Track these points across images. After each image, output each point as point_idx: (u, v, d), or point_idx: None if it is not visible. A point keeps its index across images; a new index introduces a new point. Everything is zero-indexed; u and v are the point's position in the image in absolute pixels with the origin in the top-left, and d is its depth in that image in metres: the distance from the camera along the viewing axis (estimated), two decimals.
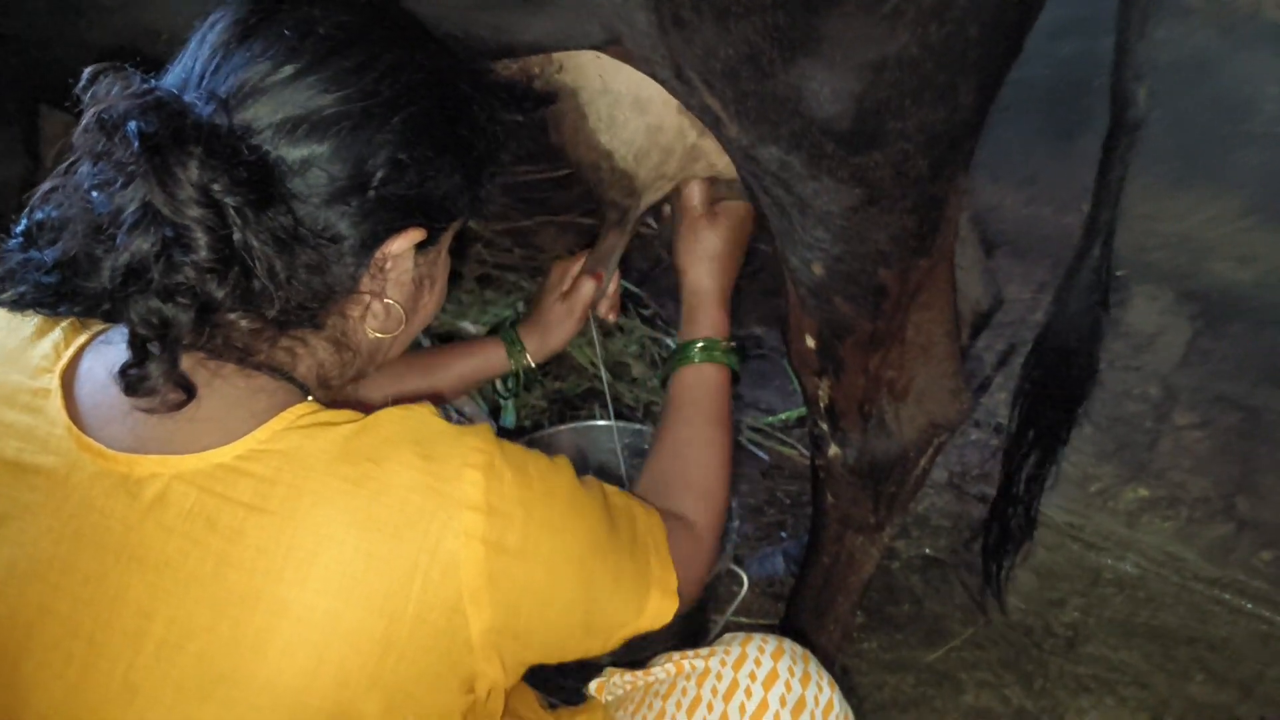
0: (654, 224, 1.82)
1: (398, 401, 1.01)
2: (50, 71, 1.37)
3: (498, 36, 1.19)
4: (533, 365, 1.67)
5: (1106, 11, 1.35)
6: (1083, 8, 3.52)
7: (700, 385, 1.43)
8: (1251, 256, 3.03)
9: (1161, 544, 2.24)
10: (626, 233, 1.63)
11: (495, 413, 2.50)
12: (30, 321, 1.03)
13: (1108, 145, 1.40)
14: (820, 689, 1.23)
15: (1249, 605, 2.11)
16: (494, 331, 2.65)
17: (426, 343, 2.53)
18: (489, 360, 1.67)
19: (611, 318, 1.71)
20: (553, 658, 1.07)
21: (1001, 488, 1.76)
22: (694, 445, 1.37)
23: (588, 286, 1.62)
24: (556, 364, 2.66)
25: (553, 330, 1.65)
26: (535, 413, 2.56)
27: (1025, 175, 3.31)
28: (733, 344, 1.48)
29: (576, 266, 1.65)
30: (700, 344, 1.45)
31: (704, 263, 1.49)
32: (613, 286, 1.68)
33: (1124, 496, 2.36)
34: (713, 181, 1.50)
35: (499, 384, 2.27)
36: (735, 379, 1.47)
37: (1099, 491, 2.37)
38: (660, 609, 1.12)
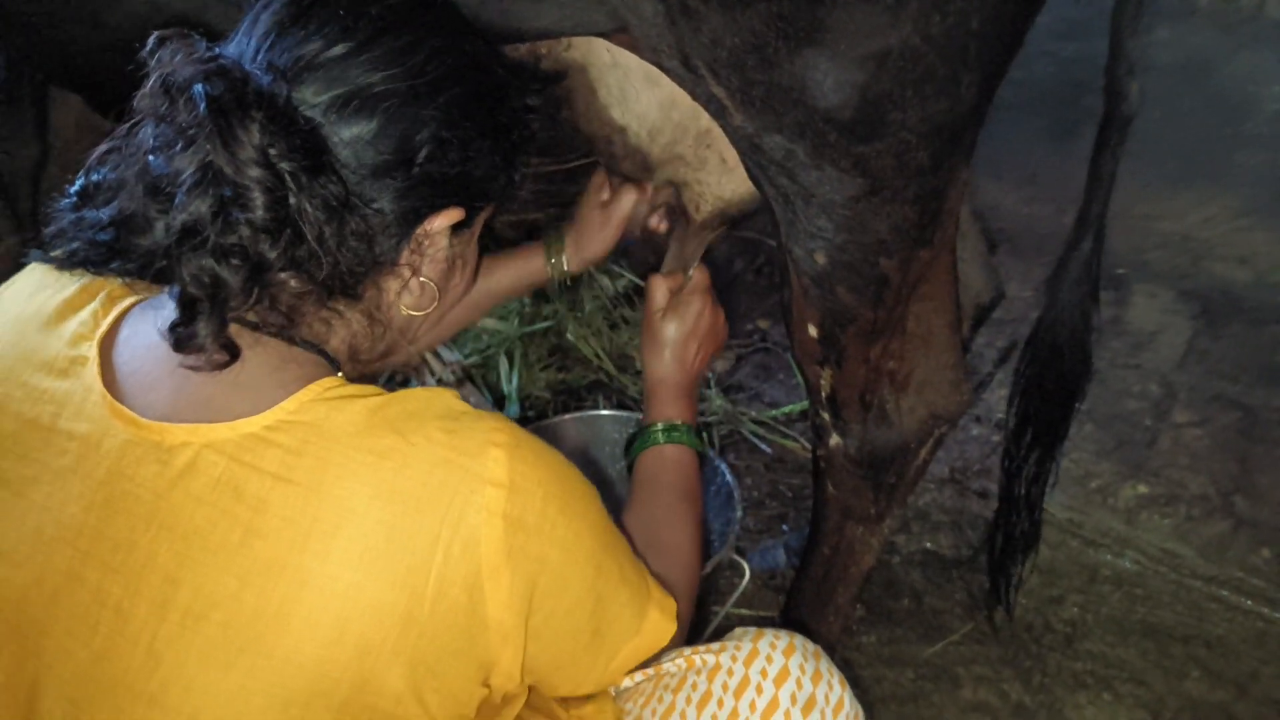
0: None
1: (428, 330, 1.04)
2: (63, 54, 1.38)
3: (506, 22, 1.21)
4: (567, 272, 1.67)
5: (1109, 14, 1.37)
6: (1085, 9, 3.55)
7: (667, 463, 1.45)
8: (1250, 256, 3.05)
9: (1160, 541, 2.25)
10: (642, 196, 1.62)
11: (500, 404, 2.51)
12: (69, 289, 1.05)
13: (1100, 140, 1.42)
14: (831, 687, 1.23)
15: (1246, 603, 2.12)
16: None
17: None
18: (528, 267, 1.68)
19: (664, 227, 1.66)
20: (563, 665, 1.07)
21: (1004, 490, 1.77)
22: (664, 514, 1.38)
23: (629, 194, 1.60)
24: (560, 355, 2.67)
25: (591, 239, 1.65)
26: (539, 404, 2.57)
27: (1026, 174, 3.33)
28: (696, 429, 1.50)
29: (612, 178, 1.63)
30: (662, 426, 1.48)
31: (662, 355, 1.54)
32: (664, 196, 1.64)
33: (1123, 494, 2.36)
34: (684, 240, 1.55)
35: (504, 373, 2.27)
36: (702, 461, 1.50)
37: (1098, 489, 2.38)
38: (659, 627, 1.14)
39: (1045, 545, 2.23)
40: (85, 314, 1.03)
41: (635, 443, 1.49)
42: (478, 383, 2.52)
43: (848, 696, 1.24)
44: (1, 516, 0.96)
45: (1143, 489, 2.37)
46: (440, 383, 2.47)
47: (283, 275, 0.95)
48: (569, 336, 2.65)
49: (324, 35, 0.97)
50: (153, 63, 0.94)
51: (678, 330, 1.54)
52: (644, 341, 1.57)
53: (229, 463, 0.92)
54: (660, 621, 1.14)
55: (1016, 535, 1.76)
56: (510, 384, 2.55)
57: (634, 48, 1.25)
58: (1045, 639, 2.07)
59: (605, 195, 1.63)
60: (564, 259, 1.66)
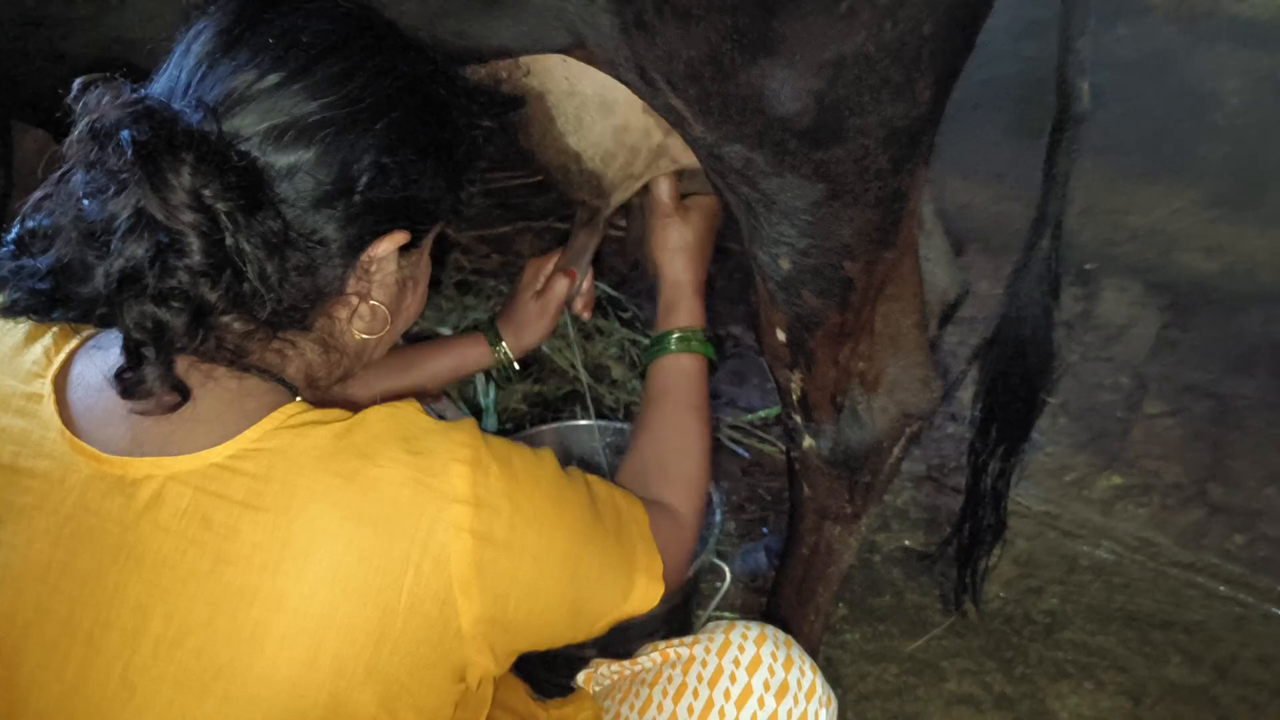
0: (624, 225, 1.85)
1: (383, 399, 1.03)
2: (23, 87, 1.38)
3: (462, 42, 1.22)
4: (512, 359, 1.68)
5: None
6: (1045, 9, 3.58)
7: (678, 374, 1.45)
8: (1218, 247, 3.07)
9: (1136, 530, 2.28)
10: (597, 232, 1.66)
11: (477, 417, 2.52)
12: (20, 327, 1.04)
13: (1053, 138, 1.44)
14: (803, 673, 1.26)
15: (1223, 588, 2.14)
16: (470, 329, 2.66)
17: (401, 342, 2.54)
18: (467, 355, 1.68)
19: (586, 315, 1.72)
20: (542, 645, 1.09)
21: (969, 486, 1.79)
22: (673, 433, 1.39)
23: (561, 284, 1.64)
24: (536, 367, 2.68)
25: (527, 327, 1.66)
26: (516, 416, 2.58)
27: (994, 173, 3.35)
28: (709, 334, 1.50)
29: (550, 264, 1.67)
30: (677, 334, 1.47)
31: (678, 255, 1.52)
32: (586, 284, 1.70)
33: (1098, 485, 2.39)
34: (679, 175, 1.53)
35: (480, 385, 2.28)
36: (712, 369, 1.49)
37: (1074, 481, 2.40)
38: (646, 594, 1.14)
39: (1023, 537, 2.26)
40: (38, 351, 1.03)
41: (648, 350, 1.49)
42: (454, 397, 2.53)
43: (819, 681, 1.27)
44: None
45: (1118, 480, 2.40)
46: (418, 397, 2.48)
47: (225, 318, 0.94)
48: (544, 348, 2.65)
49: (256, 65, 0.96)
50: (78, 108, 0.93)
51: (696, 229, 1.52)
52: (655, 242, 1.54)
53: (195, 493, 0.93)
54: (647, 587, 1.14)
55: (984, 528, 1.78)
56: (487, 397, 2.56)
57: (591, 61, 1.26)
58: (1026, 630, 2.09)
59: (539, 285, 1.66)
60: (505, 348, 1.67)
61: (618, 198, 1.54)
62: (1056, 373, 1.65)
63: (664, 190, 1.53)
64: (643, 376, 1.50)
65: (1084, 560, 2.23)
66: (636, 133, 1.42)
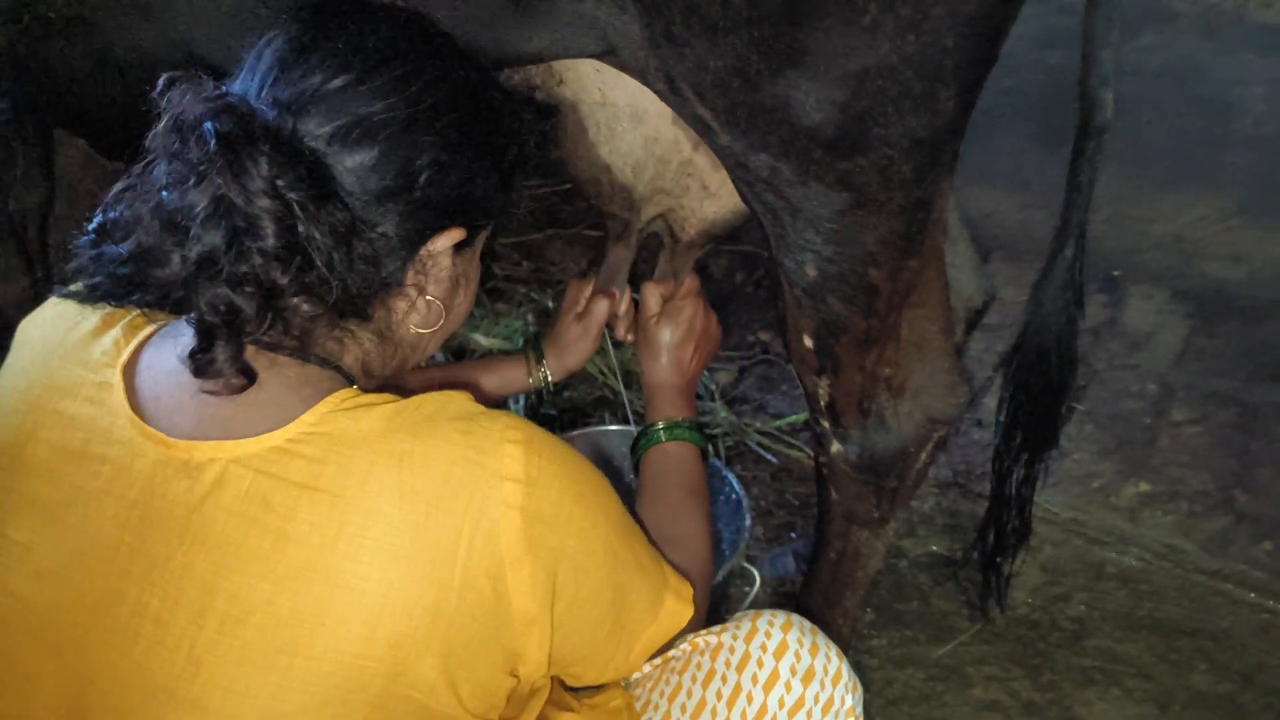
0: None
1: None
2: (68, 95, 1.42)
3: (500, 48, 1.25)
4: (552, 382, 1.74)
5: None
6: (1069, 19, 3.59)
7: (670, 460, 1.49)
8: (1243, 254, 3.06)
9: (1162, 537, 2.27)
10: (631, 246, 1.68)
11: None
12: (92, 318, 1.09)
13: (1076, 148, 1.44)
14: (829, 659, 1.28)
15: (1250, 596, 2.14)
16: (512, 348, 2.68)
17: (441, 358, 2.57)
18: (510, 376, 1.74)
19: (631, 337, 1.74)
20: (586, 653, 1.11)
21: (994, 493, 1.79)
22: (673, 514, 1.42)
23: (601, 306, 1.69)
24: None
25: (569, 350, 1.72)
26: (546, 421, 2.59)
27: (1018, 180, 3.35)
28: (694, 423, 1.54)
29: (588, 288, 1.72)
30: (663, 424, 1.52)
31: (658, 359, 1.59)
32: (625, 305, 1.74)
33: (1125, 492, 2.39)
34: (673, 255, 1.60)
35: (510, 404, 2.30)
36: (703, 456, 1.53)
37: (1100, 488, 2.40)
38: (676, 612, 1.18)
39: (1049, 544, 2.26)
40: (107, 342, 1.07)
41: (639, 444, 1.53)
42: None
43: (845, 668, 1.29)
44: (38, 540, 1.00)
45: (1144, 487, 2.40)
46: None
47: (295, 300, 0.99)
48: None
49: (325, 69, 1.02)
50: (163, 103, 0.99)
51: (672, 334, 1.59)
52: (640, 347, 1.62)
53: (255, 475, 0.96)
54: (677, 607, 1.18)
55: (1008, 535, 1.78)
56: (517, 403, 2.58)
57: (622, 69, 1.28)
58: (1052, 637, 2.09)
59: (580, 308, 1.71)
60: (547, 371, 1.73)
61: (648, 211, 1.57)
62: (1081, 380, 1.65)
63: (651, 298, 1.61)
64: (635, 468, 1.53)
65: (1110, 567, 2.23)
66: (666, 144, 1.44)
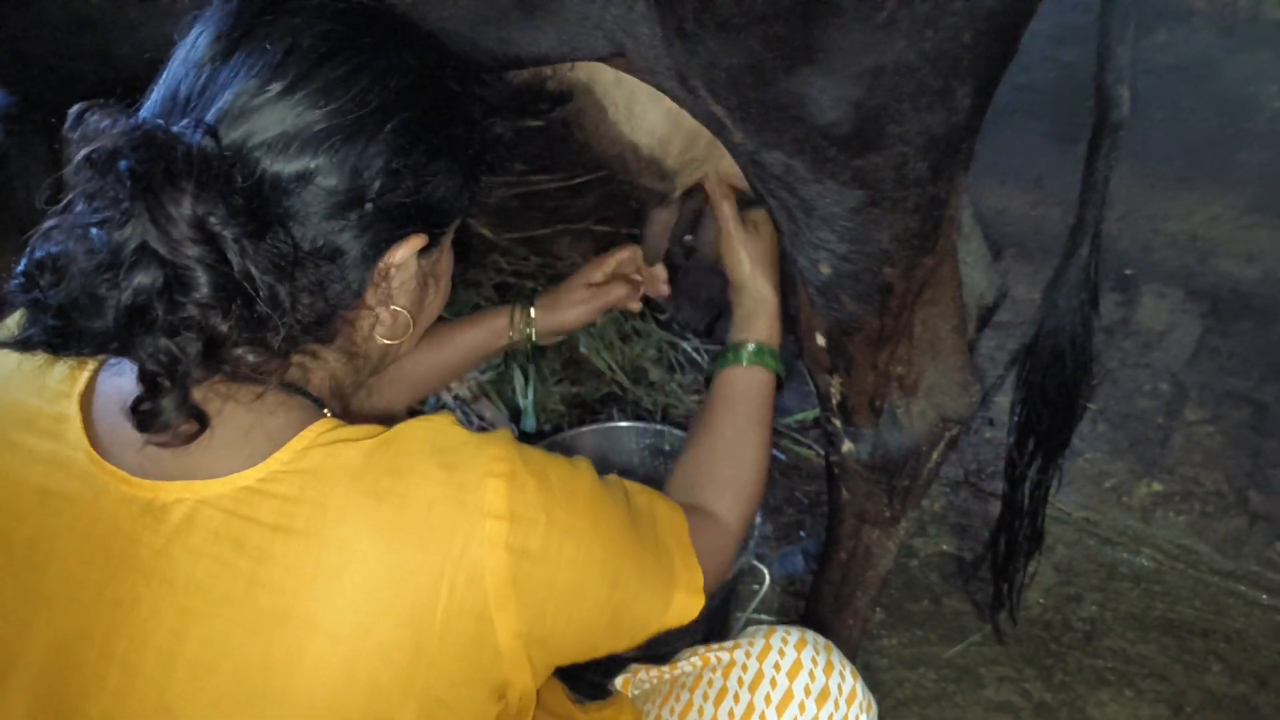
0: (691, 238, 1.82)
1: (413, 387, 1.00)
2: (74, 91, 1.41)
3: (505, 49, 1.22)
4: (533, 338, 1.62)
5: None
6: (1083, 15, 3.57)
7: (747, 385, 1.42)
8: (1258, 253, 3.05)
9: (1176, 538, 2.27)
10: (672, 208, 1.63)
11: (515, 417, 2.54)
12: None
13: (1092, 146, 1.43)
14: (844, 678, 1.25)
15: (1264, 597, 2.13)
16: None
17: None
18: (491, 329, 1.62)
19: (637, 307, 1.65)
20: (581, 656, 1.06)
21: (1006, 496, 1.78)
22: (735, 442, 1.36)
23: (619, 289, 1.60)
24: (574, 369, 2.70)
25: (568, 308, 1.61)
26: (554, 417, 2.59)
27: (1032, 178, 3.34)
28: (782, 352, 1.48)
29: (614, 264, 1.61)
30: (752, 346, 1.44)
31: (759, 269, 1.48)
32: (659, 269, 1.64)
33: (1138, 492, 2.38)
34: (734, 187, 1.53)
35: (519, 386, 2.25)
36: (779, 386, 1.47)
37: (1113, 487, 2.40)
38: (685, 606, 1.12)
39: (1062, 544, 2.26)
40: (62, 369, 0.99)
41: (720, 358, 1.45)
42: (493, 398, 2.55)
43: (860, 686, 1.27)
44: (5, 579, 0.95)
45: (1157, 486, 2.39)
46: (456, 398, 2.50)
47: (238, 351, 0.90)
48: (582, 349, 2.66)
49: (255, 74, 0.92)
50: (75, 136, 0.89)
51: (768, 244, 1.49)
52: (738, 256, 1.49)
53: (226, 517, 0.91)
54: (685, 600, 1.11)
55: (1020, 538, 1.77)
56: (525, 398, 2.57)
57: (630, 70, 1.27)
58: (1065, 637, 2.09)
59: (598, 279, 1.61)
60: (531, 325, 1.61)
61: (684, 180, 1.52)
62: (1095, 380, 1.63)
63: (727, 210, 1.50)
64: (708, 380, 1.46)
65: (1123, 568, 2.23)
66: (691, 116, 1.40)
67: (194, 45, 0.96)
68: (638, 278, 1.62)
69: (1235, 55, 3.78)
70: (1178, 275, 3.00)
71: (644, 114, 1.43)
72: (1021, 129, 3.52)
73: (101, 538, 0.93)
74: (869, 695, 1.28)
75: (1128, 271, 2.99)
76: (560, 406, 2.61)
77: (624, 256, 1.62)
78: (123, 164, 0.85)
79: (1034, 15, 1.20)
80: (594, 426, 2.18)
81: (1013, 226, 3.17)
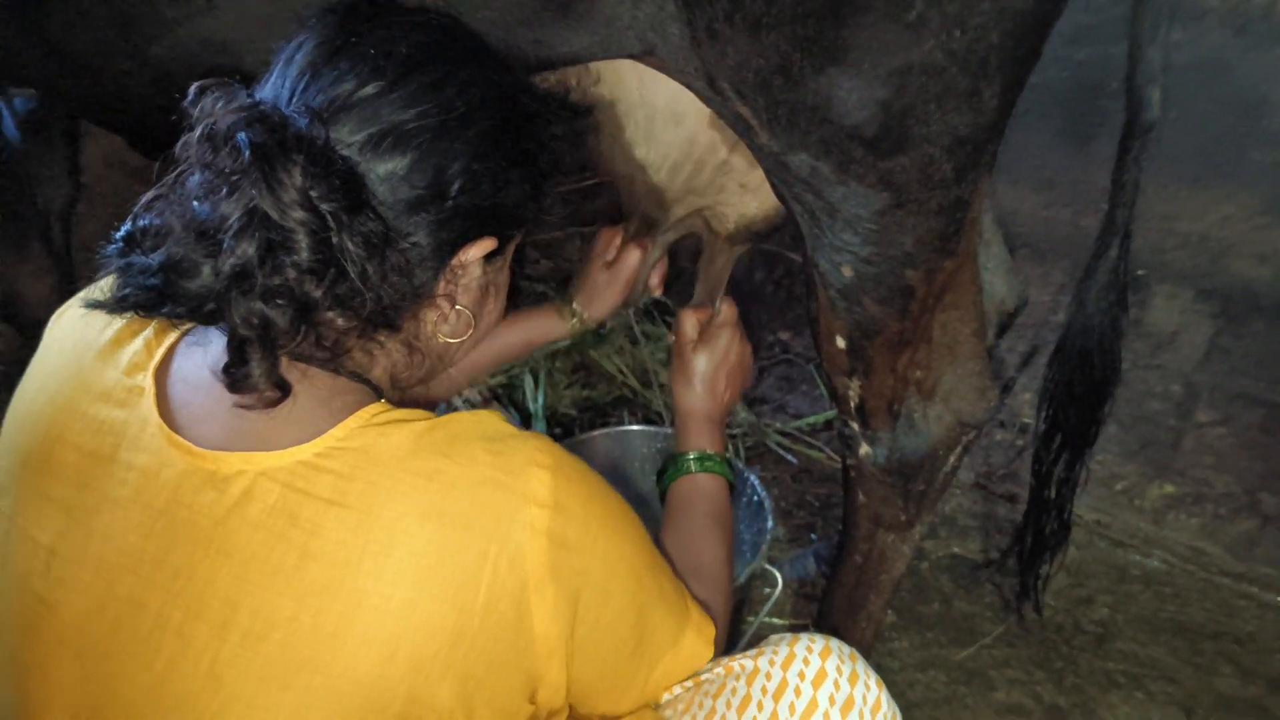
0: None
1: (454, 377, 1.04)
2: (105, 88, 1.40)
3: (538, 50, 1.23)
4: (588, 323, 1.71)
5: (1118, 18, 1.38)
6: (1095, 15, 3.56)
7: (698, 492, 1.47)
8: (1270, 254, 3.04)
9: (1187, 540, 2.26)
10: (661, 245, 1.66)
11: (526, 421, 2.53)
12: (119, 320, 1.06)
13: (1122, 147, 1.42)
14: (868, 688, 1.24)
15: (1275, 599, 2.13)
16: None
17: None
18: (537, 327, 1.73)
19: (659, 292, 1.72)
20: (605, 679, 1.10)
21: (1033, 493, 1.77)
22: (698, 540, 1.40)
23: (633, 255, 1.66)
24: (584, 373, 2.70)
25: (597, 297, 1.70)
26: (564, 421, 2.59)
27: (1044, 178, 3.33)
28: (725, 456, 1.52)
29: (619, 236, 1.69)
30: (694, 456, 1.49)
31: (692, 387, 1.55)
32: (659, 254, 1.70)
33: (1149, 494, 2.37)
34: (712, 257, 1.57)
35: (529, 390, 2.28)
36: (730, 489, 1.51)
37: (1125, 490, 2.39)
38: (696, 648, 1.17)
39: (1073, 546, 2.24)
40: (139, 344, 1.05)
41: (668, 471, 1.51)
42: (504, 402, 2.54)
43: (885, 697, 1.26)
44: (64, 545, 0.99)
45: (1169, 489, 2.38)
46: (467, 403, 2.50)
47: (329, 314, 0.98)
48: (592, 354, 2.66)
49: (356, 75, 1.00)
50: (195, 112, 0.96)
51: (708, 363, 1.56)
52: (674, 373, 1.59)
53: (283, 489, 0.95)
54: (698, 644, 1.17)
55: (1046, 536, 1.76)
56: (536, 402, 2.57)
57: (661, 69, 1.27)
58: (1076, 640, 2.08)
59: (610, 256, 1.69)
60: (578, 316, 1.71)
61: (676, 212, 1.55)
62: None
63: (686, 325, 1.58)
64: (662, 495, 1.51)
65: (1134, 570, 2.22)
66: (703, 146, 1.43)
67: (299, 49, 1.03)
68: (646, 241, 1.68)
69: (1248, 55, 3.76)
70: (1189, 276, 2.99)
71: (661, 137, 1.44)
72: (1033, 129, 3.51)
73: (163, 509, 0.96)
74: (894, 705, 1.27)
75: (1139, 272, 2.98)
76: (571, 411, 2.61)
77: (616, 232, 1.70)
78: (241, 136, 0.92)
79: (1061, 15, 1.20)
80: (605, 430, 2.18)
81: (1024, 227, 3.17)
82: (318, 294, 0.95)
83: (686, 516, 1.44)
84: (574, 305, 1.71)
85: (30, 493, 1.02)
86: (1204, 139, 3.40)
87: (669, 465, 1.51)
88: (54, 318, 1.13)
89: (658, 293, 1.74)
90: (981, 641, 2.08)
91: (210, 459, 0.97)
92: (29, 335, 1.11)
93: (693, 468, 1.49)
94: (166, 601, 0.94)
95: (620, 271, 1.68)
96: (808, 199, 1.27)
